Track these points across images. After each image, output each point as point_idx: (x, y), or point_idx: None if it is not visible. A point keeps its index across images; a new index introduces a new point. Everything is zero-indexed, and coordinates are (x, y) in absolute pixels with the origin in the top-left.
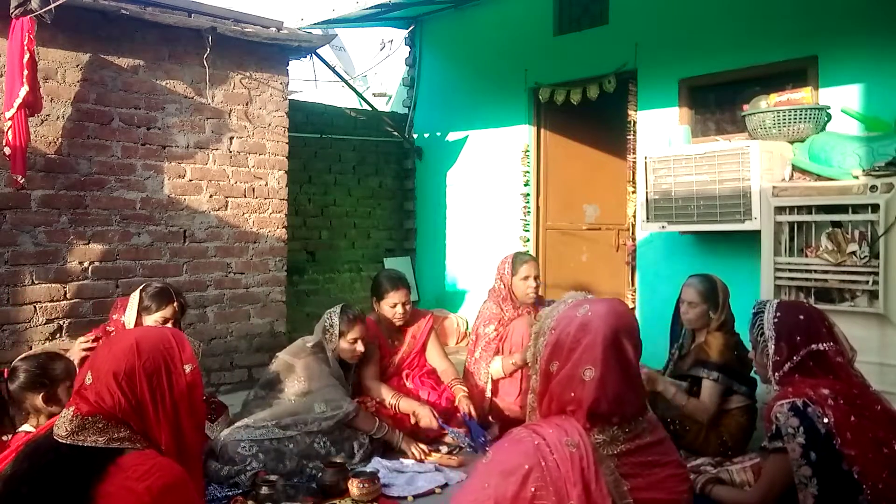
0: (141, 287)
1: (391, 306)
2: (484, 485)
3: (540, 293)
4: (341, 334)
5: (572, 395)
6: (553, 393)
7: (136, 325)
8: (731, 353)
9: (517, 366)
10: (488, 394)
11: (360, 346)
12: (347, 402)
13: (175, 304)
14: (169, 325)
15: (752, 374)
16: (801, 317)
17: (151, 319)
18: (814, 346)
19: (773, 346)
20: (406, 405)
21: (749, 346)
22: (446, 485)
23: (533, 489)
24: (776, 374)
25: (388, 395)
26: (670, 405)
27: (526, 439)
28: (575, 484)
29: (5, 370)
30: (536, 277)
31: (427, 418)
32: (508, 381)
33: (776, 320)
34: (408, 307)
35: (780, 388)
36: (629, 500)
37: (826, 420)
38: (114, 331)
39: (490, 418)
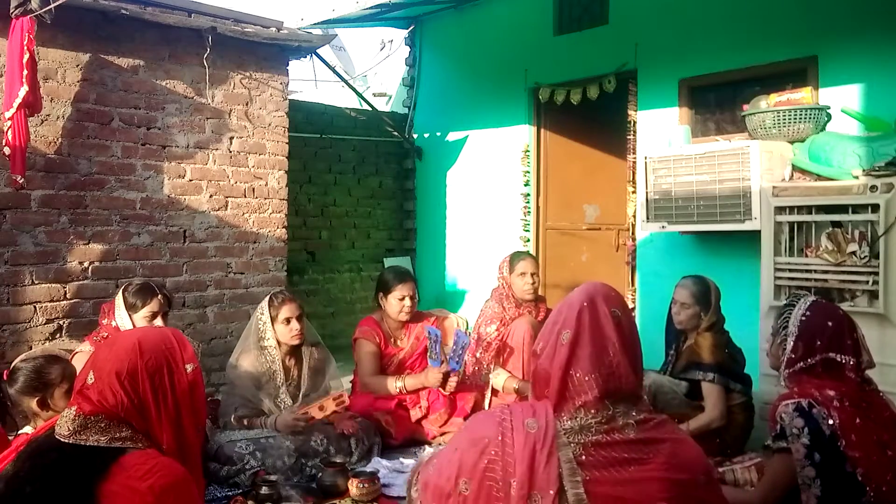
0: (122, 289)
1: (399, 300)
2: (454, 448)
3: (539, 293)
4: (272, 319)
5: (553, 362)
6: (540, 368)
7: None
8: (723, 351)
9: (515, 391)
10: (488, 394)
11: (294, 325)
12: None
13: (160, 296)
14: (158, 318)
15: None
16: (830, 323)
17: (141, 316)
18: (831, 354)
19: (791, 343)
20: (412, 382)
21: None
22: None
23: (486, 461)
24: (787, 370)
25: (391, 382)
26: (670, 402)
27: (496, 414)
28: (521, 462)
29: (5, 372)
30: (534, 274)
31: (433, 379)
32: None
33: (803, 318)
34: (415, 301)
35: (786, 383)
36: (580, 491)
37: (831, 421)
38: (108, 336)
39: None
